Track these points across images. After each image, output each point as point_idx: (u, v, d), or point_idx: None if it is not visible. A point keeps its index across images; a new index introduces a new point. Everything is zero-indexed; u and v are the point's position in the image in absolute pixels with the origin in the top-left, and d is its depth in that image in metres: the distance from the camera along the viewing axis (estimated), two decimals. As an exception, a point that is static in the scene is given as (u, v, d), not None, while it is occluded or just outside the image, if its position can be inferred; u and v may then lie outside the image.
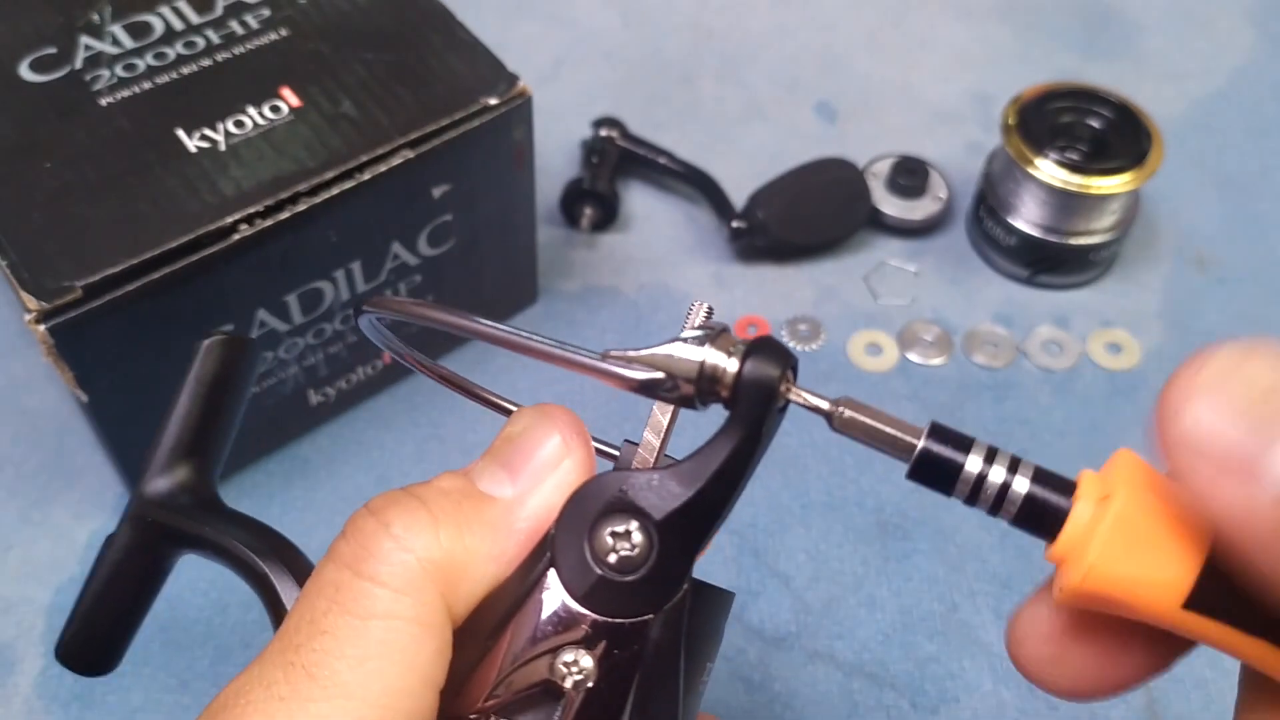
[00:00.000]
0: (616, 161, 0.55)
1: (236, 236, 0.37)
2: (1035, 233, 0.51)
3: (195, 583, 0.43)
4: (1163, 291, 0.53)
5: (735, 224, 0.52)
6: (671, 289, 0.53)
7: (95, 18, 0.44)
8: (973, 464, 0.20)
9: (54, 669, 0.41)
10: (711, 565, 0.44)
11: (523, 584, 0.21)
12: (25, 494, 0.45)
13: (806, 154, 0.55)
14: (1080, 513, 0.19)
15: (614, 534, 0.21)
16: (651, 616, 0.21)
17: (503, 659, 0.21)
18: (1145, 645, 0.20)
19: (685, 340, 0.21)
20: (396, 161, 0.40)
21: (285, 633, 0.20)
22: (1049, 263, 0.52)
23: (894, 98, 0.62)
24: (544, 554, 0.21)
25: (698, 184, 0.55)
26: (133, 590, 0.26)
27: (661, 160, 0.56)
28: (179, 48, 0.43)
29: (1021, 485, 0.20)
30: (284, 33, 0.43)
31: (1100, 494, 0.19)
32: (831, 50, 0.64)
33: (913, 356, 0.51)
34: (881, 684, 0.41)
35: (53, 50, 0.42)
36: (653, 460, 0.22)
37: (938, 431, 0.21)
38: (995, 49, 0.64)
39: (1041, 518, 0.20)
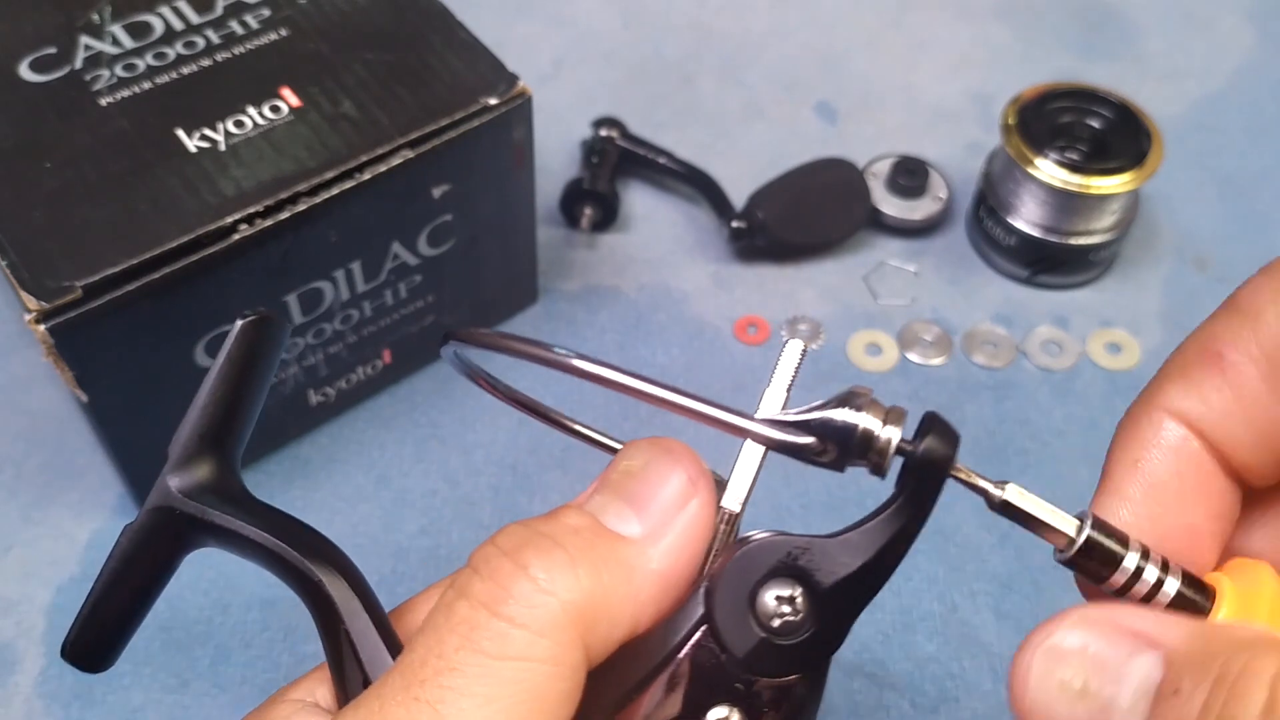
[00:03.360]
0: (616, 161, 0.55)
1: (236, 236, 0.37)
2: (1035, 233, 0.51)
3: (196, 582, 0.43)
4: (1162, 291, 0.53)
5: (735, 224, 0.52)
6: (671, 289, 0.53)
7: (95, 18, 0.44)
8: (1130, 560, 0.21)
9: (55, 668, 0.41)
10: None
11: (671, 636, 0.21)
12: (26, 494, 0.45)
13: (806, 154, 0.55)
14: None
15: (779, 598, 0.21)
16: (799, 677, 0.21)
17: (649, 710, 0.21)
18: None
19: (842, 406, 0.21)
20: (396, 161, 0.40)
21: (409, 666, 0.20)
22: (1049, 263, 0.52)
23: (894, 98, 0.62)
24: (693, 608, 0.21)
25: (698, 184, 0.55)
26: (145, 585, 0.24)
27: (661, 160, 0.56)
28: (179, 48, 0.43)
29: (1172, 586, 0.21)
30: (284, 33, 0.43)
31: (1239, 609, 0.21)
32: (831, 50, 0.64)
33: (912, 356, 0.51)
34: (881, 684, 0.41)
35: (53, 50, 0.42)
36: (743, 499, 0.22)
37: (1099, 525, 0.21)
38: (995, 49, 0.65)
39: None
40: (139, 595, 0.24)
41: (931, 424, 0.21)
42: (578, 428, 0.23)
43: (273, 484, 0.46)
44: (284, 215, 0.38)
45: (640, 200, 0.56)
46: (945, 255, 0.55)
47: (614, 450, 0.22)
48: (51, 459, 0.46)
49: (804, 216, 0.53)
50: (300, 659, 0.41)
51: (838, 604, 0.21)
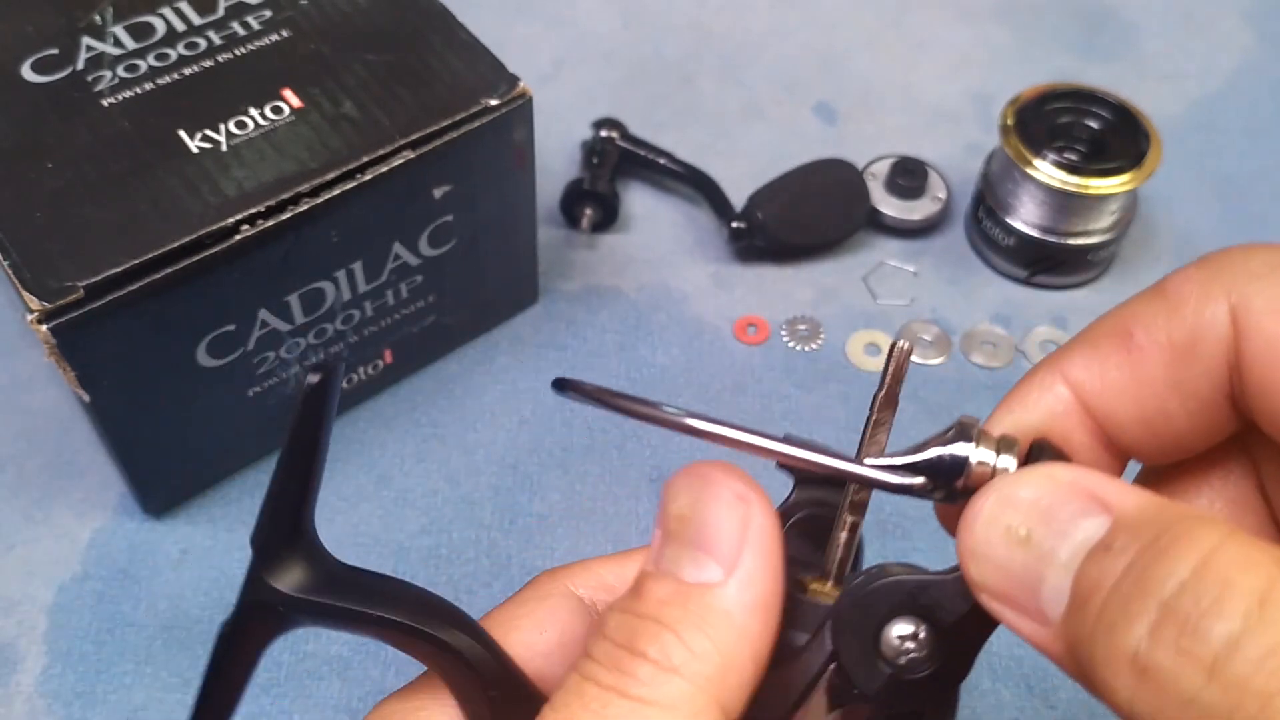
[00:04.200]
0: (616, 162, 0.55)
1: (238, 237, 0.38)
2: (1034, 233, 0.51)
3: (198, 582, 0.43)
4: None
5: (735, 224, 0.53)
6: (671, 289, 0.53)
7: (97, 19, 0.44)
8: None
9: (56, 667, 0.41)
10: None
11: (803, 672, 0.22)
12: (27, 493, 0.45)
13: (806, 154, 0.55)
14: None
15: (901, 636, 0.21)
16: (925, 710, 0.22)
17: None
18: None
19: (954, 441, 0.21)
20: (397, 162, 0.40)
21: None
22: (1047, 263, 0.52)
23: (893, 98, 0.62)
24: (819, 649, 0.22)
25: (697, 184, 0.56)
26: (248, 674, 0.24)
27: (661, 161, 0.56)
28: (181, 49, 0.43)
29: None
30: (285, 34, 0.43)
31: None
32: (831, 51, 0.64)
33: (912, 357, 0.51)
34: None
35: (54, 51, 0.42)
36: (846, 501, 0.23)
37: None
38: (994, 50, 0.65)
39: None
40: (241, 687, 0.24)
41: (1040, 453, 0.21)
42: (729, 433, 0.22)
43: (274, 483, 0.46)
44: (285, 216, 0.38)
45: (640, 201, 0.56)
46: (944, 255, 0.55)
47: (773, 452, 0.21)
48: (53, 459, 0.46)
49: (803, 217, 0.53)
50: (301, 657, 0.41)
51: (960, 639, 0.21)
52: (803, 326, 0.52)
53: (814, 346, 0.51)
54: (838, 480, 0.23)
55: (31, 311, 0.35)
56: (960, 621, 0.21)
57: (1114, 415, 0.21)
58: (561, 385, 0.23)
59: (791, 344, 0.51)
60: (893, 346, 0.23)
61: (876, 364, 0.51)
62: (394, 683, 0.41)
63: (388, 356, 0.47)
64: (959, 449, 0.21)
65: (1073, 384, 0.22)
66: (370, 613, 0.23)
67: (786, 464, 0.22)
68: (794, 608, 0.22)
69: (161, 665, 0.41)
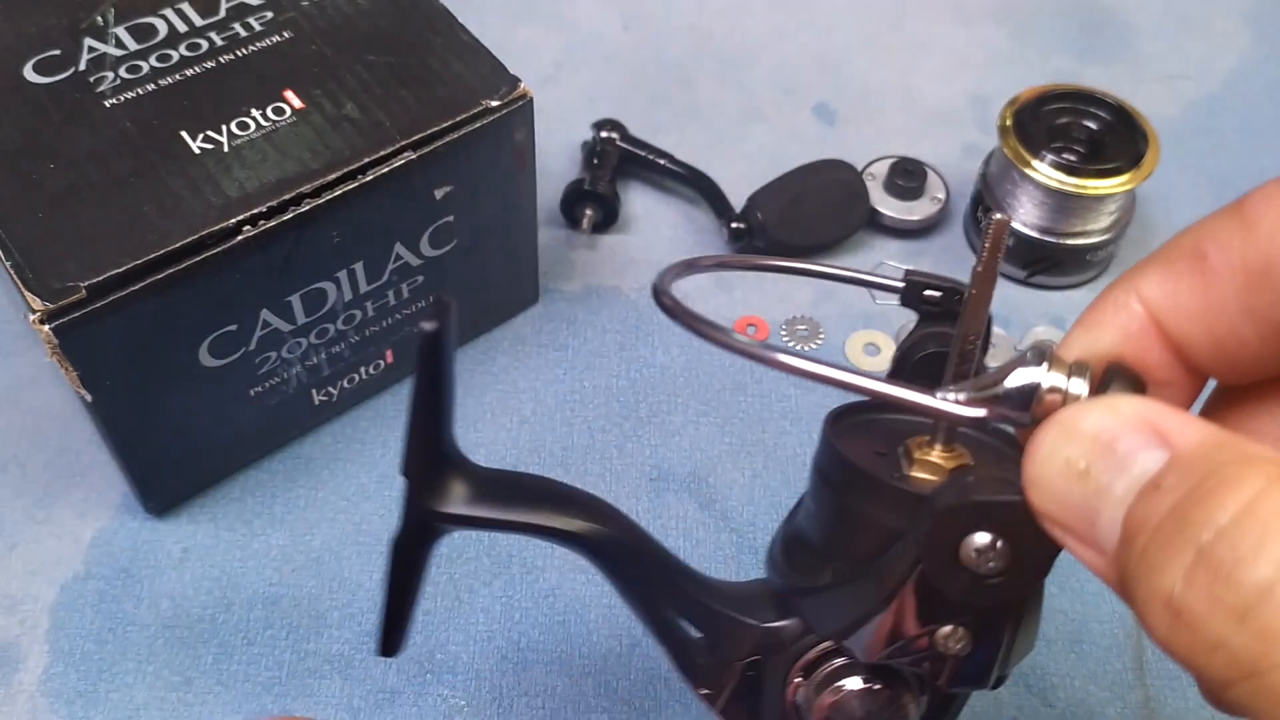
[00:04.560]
0: (617, 163, 0.55)
1: (240, 237, 0.38)
2: (1032, 233, 0.52)
3: (200, 581, 0.43)
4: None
5: (734, 225, 0.53)
6: (671, 289, 0.53)
7: (99, 20, 0.44)
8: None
9: (58, 667, 0.41)
10: (710, 561, 0.44)
11: (891, 574, 0.23)
12: (30, 493, 0.45)
13: (805, 155, 0.55)
14: None
15: (980, 550, 0.22)
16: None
17: (891, 626, 0.24)
18: None
19: (1022, 366, 0.21)
20: (399, 163, 0.40)
21: None
22: (1046, 263, 0.53)
23: (892, 100, 0.62)
24: (907, 549, 0.23)
25: (697, 185, 0.56)
26: (419, 581, 0.28)
27: (661, 162, 0.56)
28: (183, 50, 0.43)
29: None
30: (287, 35, 0.44)
31: None
32: (830, 53, 0.64)
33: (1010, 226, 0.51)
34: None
35: (57, 52, 0.42)
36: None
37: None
38: (992, 51, 0.65)
39: None
40: (417, 590, 0.27)
41: (1114, 376, 0.21)
42: (805, 365, 0.23)
43: (275, 483, 0.46)
44: (287, 216, 0.38)
45: (640, 201, 0.57)
46: (943, 256, 0.55)
47: (847, 384, 0.22)
48: (55, 458, 0.46)
49: (803, 217, 0.53)
50: (303, 656, 0.41)
51: (1036, 551, 0.22)
52: (802, 327, 0.52)
53: (813, 346, 0.51)
54: (958, 315, 0.23)
55: (34, 311, 0.35)
56: (1035, 538, 0.21)
57: (1188, 336, 0.20)
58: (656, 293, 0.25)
59: (791, 344, 0.51)
60: (992, 219, 0.23)
61: (875, 363, 0.51)
62: (395, 681, 0.41)
63: (389, 357, 0.47)
64: (1031, 374, 0.20)
65: (1147, 302, 0.21)
66: (514, 520, 0.26)
67: (862, 393, 0.22)
68: (892, 493, 0.23)
69: (163, 664, 0.41)
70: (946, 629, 0.23)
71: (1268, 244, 0.19)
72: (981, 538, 0.22)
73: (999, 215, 0.22)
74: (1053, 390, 0.20)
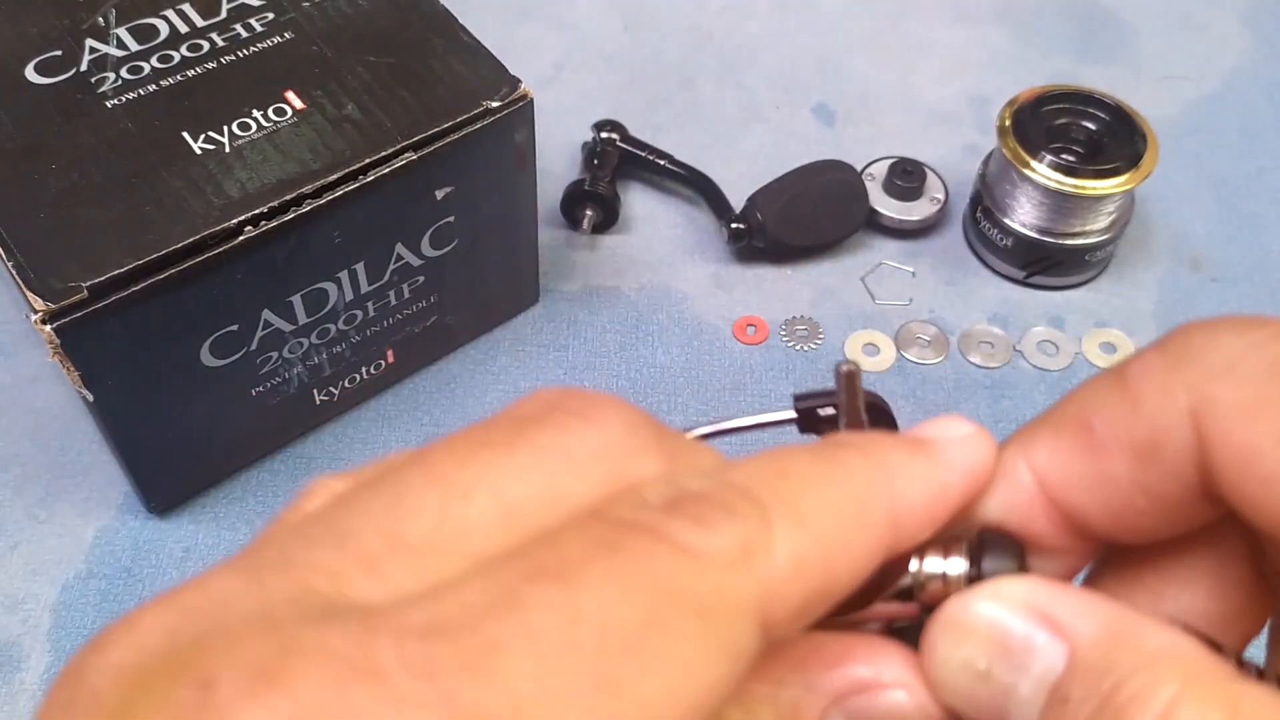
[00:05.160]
0: (617, 163, 0.56)
1: (241, 238, 0.38)
2: (1031, 234, 0.52)
3: (200, 580, 0.43)
4: (1157, 292, 0.54)
5: (734, 225, 0.53)
6: (671, 289, 0.53)
7: (100, 21, 0.44)
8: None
9: (59, 666, 0.41)
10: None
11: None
12: (31, 492, 0.46)
13: (805, 156, 0.55)
14: None
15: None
16: None
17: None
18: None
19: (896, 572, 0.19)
20: (399, 164, 0.40)
21: None
22: (1044, 263, 0.53)
23: (891, 100, 0.62)
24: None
25: (697, 186, 0.56)
26: None
27: (661, 162, 0.56)
28: (184, 51, 0.43)
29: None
30: (288, 36, 0.44)
31: None
32: (830, 53, 0.64)
33: (910, 356, 0.51)
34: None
35: (58, 53, 0.43)
36: None
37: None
38: (991, 52, 0.65)
39: None
40: None
41: (989, 542, 0.19)
42: None
43: (277, 482, 0.46)
44: (289, 217, 0.39)
45: (640, 202, 0.57)
46: (942, 256, 0.55)
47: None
48: (57, 457, 0.47)
49: (802, 218, 0.53)
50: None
51: None
52: (801, 327, 0.52)
53: (813, 347, 0.51)
54: None
55: (35, 312, 0.35)
56: None
57: (1080, 506, 0.20)
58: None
59: (790, 344, 0.51)
60: (837, 370, 0.21)
61: (875, 364, 0.51)
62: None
63: (389, 356, 0.47)
64: (907, 571, 0.19)
65: (1036, 470, 0.20)
66: None
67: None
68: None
69: (165, 663, 0.41)
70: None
71: (1151, 422, 0.19)
72: None
73: (845, 365, 0.21)
74: (931, 578, 0.19)
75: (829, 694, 0.18)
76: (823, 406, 0.23)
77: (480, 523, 0.15)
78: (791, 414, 0.23)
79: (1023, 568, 0.19)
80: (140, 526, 0.45)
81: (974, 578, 0.19)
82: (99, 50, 0.43)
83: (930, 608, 0.19)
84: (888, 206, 0.55)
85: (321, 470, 0.46)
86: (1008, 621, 0.18)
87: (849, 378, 0.21)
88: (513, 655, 0.13)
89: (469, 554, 0.15)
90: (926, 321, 0.52)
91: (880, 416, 0.22)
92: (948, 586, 0.19)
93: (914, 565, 0.19)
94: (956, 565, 0.19)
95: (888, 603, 0.20)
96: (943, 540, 0.19)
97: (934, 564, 0.19)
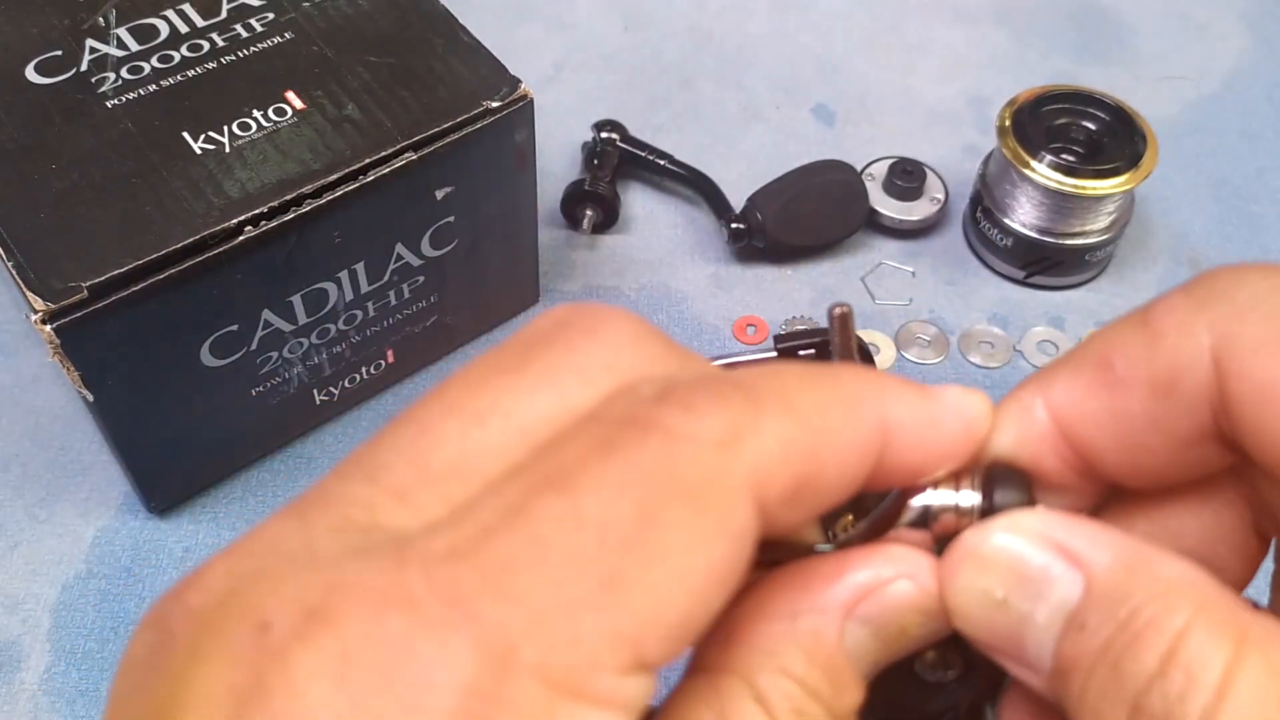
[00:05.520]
0: (617, 163, 0.56)
1: (241, 238, 0.38)
2: (1031, 234, 0.52)
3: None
4: (1157, 292, 0.54)
5: (734, 225, 0.53)
6: (671, 289, 0.53)
7: (101, 21, 0.44)
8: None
9: (60, 665, 0.41)
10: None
11: None
12: (31, 492, 0.46)
13: (805, 156, 0.55)
14: None
15: (932, 663, 0.21)
16: None
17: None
18: None
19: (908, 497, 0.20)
20: (400, 164, 0.40)
21: None
22: (1044, 263, 0.53)
23: (891, 100, 0.62)
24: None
25: (697, 186, 0.56)
26: None
27: (661, 162, 0.56)
28: (184, 51, 0.43)
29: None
30: (288, 36, 0.44)
31: None
32: (829, 54, 0.64)
33: (910, 356, 0.51)
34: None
35: (58, 53, 0.43)
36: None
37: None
38: (991, 52, 0.65)
39: None
40: None
41: (999, 477, 0.20)
42: None
43: (277, 482, 0.46)
44: (289, 217, 0.39)
45: (640, 202, 0.57)
46: (942, 256, 0.55)
47: None
48: (57, 457, 0.47)
49: (802, 218, 0.53)
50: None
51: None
52: (801, 327, 0.52)
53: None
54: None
55: (35, 312, 0.35)
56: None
57: (1093, 443, 0.20)
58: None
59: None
60: (830, 312, 0.21)
61: (875, 364, 0.51)
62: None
63: (390, 356, 0.47)
64: (919, 499, 0.20)
65: (1053, 408, 0.21)
66: None
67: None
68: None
69: (165, 663, 0.41)
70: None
71: (1172, 357, 0.19)
72: (930, 654, 0.21)
73: (839, 307, 0.21)
74: (944, 509, 0.20)
75: (839, 608, 0.19)
76: (804, 348, 0.23)
77: (498, 444, 0.16)
78: (772, 353, 0.23)
79: (1031, 501, 0.20)
80: (140, 526, 0.45)
81: (986, 510, 0.19)
82: (99, 50, 0.43)
83: (943, 540, 0.19)
84: (887, 206, 0.55)
85: (321, 470, 0.46)
86: (1025, 552, 0.18)
87: (842, 319, 0.22)
88: (525, 569, 0.14)
89: (488, 475, 0.16)
90: (926, 321, 0.52)
91: (869, 362, 0.22)
92: (960, 518, 0.20)
93: (926, 498, 0.20)
94: (968, 498, 0.20)
95: (901, 533, 0.20)
96: (954, 474, 0.20)
97: (946, 496, 0.20)
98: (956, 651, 0.21)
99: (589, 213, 0.54)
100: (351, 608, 0.14)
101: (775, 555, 0.19)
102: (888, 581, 0.19)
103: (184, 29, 0.44)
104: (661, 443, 0.16)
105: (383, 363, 0.47)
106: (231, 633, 0.14)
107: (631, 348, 0.18)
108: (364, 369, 0.47)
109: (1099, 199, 0.50)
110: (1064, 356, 0.21)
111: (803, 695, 0.18)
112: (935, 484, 0.20)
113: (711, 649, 0.18)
